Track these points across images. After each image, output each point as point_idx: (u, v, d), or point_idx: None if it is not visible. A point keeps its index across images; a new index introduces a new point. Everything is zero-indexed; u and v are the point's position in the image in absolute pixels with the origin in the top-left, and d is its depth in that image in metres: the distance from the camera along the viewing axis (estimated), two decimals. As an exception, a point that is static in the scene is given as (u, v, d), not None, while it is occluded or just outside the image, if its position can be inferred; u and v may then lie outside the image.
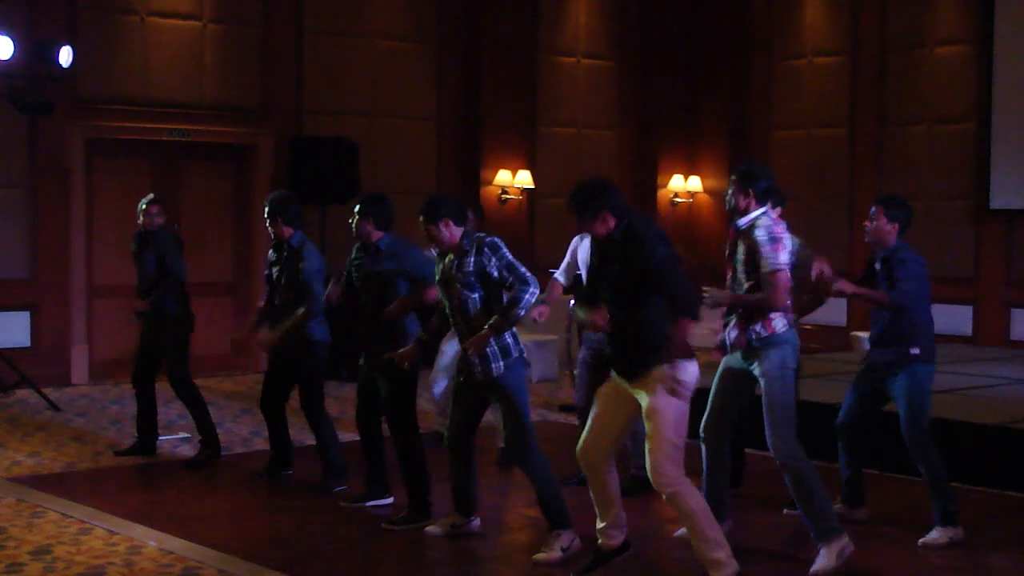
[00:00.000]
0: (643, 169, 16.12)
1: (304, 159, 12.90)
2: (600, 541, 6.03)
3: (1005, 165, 13.62)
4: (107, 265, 12.49)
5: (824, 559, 6.06)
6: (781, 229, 6.21)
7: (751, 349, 6.22)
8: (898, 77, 14.66)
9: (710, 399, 6.55)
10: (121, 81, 12.55)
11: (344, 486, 7.83)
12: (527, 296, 6.27)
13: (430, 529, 6.88)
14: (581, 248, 7.95)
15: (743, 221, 6.26)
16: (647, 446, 5.68)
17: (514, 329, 6.42)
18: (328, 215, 12.81)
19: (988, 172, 13.74)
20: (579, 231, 7.26)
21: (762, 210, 6.25)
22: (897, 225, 6.75)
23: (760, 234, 6.14)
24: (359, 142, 13.06)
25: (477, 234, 6.52)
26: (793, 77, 15.57)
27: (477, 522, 6.86)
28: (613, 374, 5.89)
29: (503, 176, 14.69)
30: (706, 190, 16.25)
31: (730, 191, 6.31)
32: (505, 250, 6.41)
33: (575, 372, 8.47)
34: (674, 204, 16.18)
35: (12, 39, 11.20)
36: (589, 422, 5.99)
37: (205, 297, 12.11)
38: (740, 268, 6.27)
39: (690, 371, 5.64)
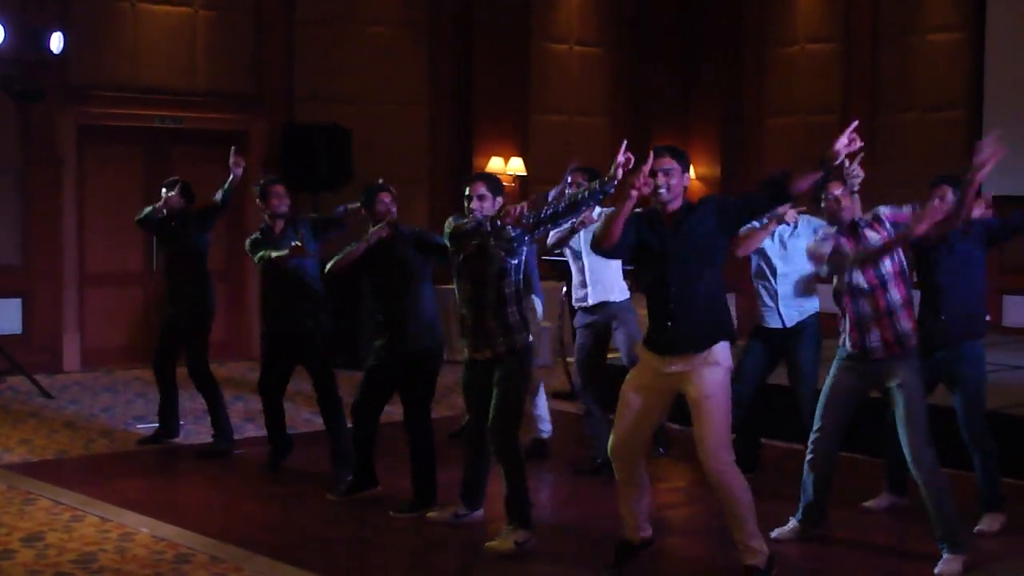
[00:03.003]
0: (636, 157, 16.08)
1: (297, 146, 12.88)
2: (627, 535, 5.94)
3: (997, 152, 13.64)
4: (99, 252, 12.48)
5: (949, 564, 6.02)
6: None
7: (888, 356, 6.16)
8: (890, 64, 14.66)
9: (822, 411, 6.41)
10: (113, 68, 12.51)
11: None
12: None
13: (431, 515, 6.89)
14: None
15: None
16: (698, 432, 5.57)
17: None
18: (321, 201, 12.79)
19: (980, 159, 13.76)
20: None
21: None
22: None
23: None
24: (352, 128, 13.04)
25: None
26: (786, 64, 15.57)
27: (480, 513, 6.83)
28: (651, 360, 5.73)
29: (495, 163, 14.67)
30: (698, 176, 16.22)
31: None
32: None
33: (568, 359, 8.48)
34: (667, 191, 16.19)
35: (3, 25, 11.17)
36: (622, 419, 5.80)
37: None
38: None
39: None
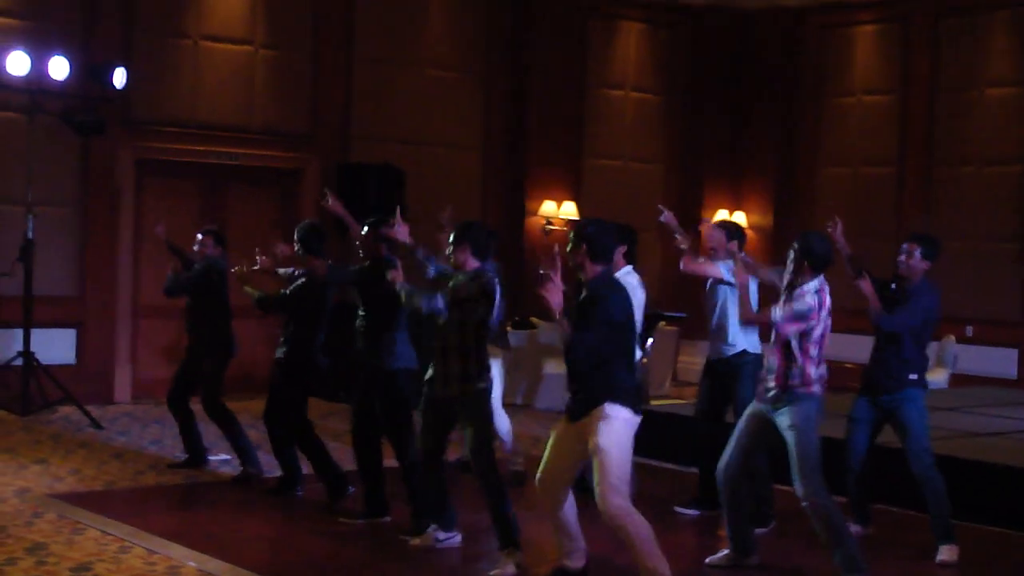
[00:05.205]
0: (688, 204, 16.06)
1: (351, 185, 12.95)
2: (565, 562, 6.32)
3: (1054, 209, 13.54)
4: (153, 285, 12.54)
5: None
6: (814, 300, 6.37)
7: (782, 396, 6.41)
8: (948, 117, 14.58)
9: (733, 441, 6.68)
10: (173, 103, 12.69)
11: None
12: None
13: (415, 542, 7.07)
14: None
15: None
16: (595, 479, 5.93)
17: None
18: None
19: (1036, 215, 13.66)
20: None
21: (817, 283, 6.40)
22: (928, 263, 7.24)
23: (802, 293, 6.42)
24: (405, 169, 13.11)
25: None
26: (842, 115, 15.52)
27: (459, 537, 7.07)
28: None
29: (548, 207, 14.71)
30: (751, 226, 16.17)
31: (790, 266, 6.47)
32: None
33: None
34: (719, 239, 16.13)
35: (68, 59, 11.36)
36: (546, 463, 6.22)
37: (250, 319, 12.16)
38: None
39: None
